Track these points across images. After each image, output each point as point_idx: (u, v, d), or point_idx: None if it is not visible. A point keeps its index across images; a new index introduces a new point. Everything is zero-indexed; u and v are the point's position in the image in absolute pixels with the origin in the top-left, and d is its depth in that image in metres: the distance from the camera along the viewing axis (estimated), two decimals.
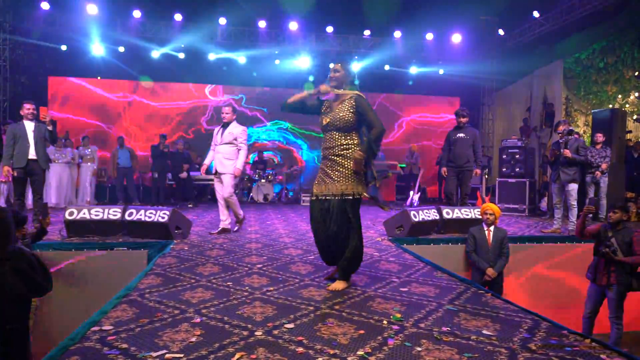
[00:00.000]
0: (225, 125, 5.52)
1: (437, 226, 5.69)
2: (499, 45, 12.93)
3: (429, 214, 5.53)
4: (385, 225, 5.65)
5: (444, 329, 2.24)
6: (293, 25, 11.82)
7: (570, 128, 6.04)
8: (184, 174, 10.05)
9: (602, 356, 1.90)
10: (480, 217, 5.72)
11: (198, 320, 2.33)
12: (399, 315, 2.43)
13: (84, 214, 5.03)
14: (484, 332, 2.21)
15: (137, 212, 5.04)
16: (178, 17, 11.15)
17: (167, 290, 2.90)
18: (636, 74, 10.83)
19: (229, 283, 3.13)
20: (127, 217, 5.03)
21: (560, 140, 5.99)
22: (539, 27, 11.70)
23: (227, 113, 5.51)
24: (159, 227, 4.92)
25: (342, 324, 2.31)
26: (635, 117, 10.93)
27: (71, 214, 4.99)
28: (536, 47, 12.35)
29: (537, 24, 11.69)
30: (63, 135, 10.21)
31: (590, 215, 4.64)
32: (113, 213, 5.08)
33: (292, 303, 2.67)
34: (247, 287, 3.01)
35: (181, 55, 11.74)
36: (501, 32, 12.80)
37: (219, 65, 12.20)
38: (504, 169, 9.15)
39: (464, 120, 6.33)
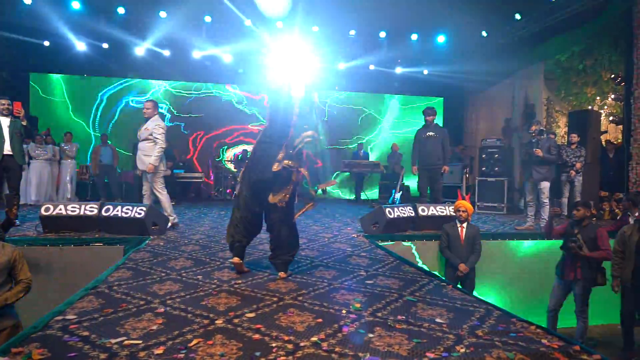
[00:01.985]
0: (145, 121, 5.55)
1: (412, 223, 5.80)
2: (482, 46, 13.11)
3: (405, 211, 5.64)
4: (361, 222, 5.74)
5: (399, 317, 2.33)
6: (279, 24, 11.86)
7: (542, 128, 6.20)
8: (167, 172, 10.02)
9: (544, 341, 2.00)
10: (454, 214, 5.86)
11: (162, 310, 2.39)
12: (358, 305, 2.51)
13: (60, 210, 5.04)
14: (437, 320, 2.30)
15: (113, 209, 5.06)
16: (163, 14, 11.12)
17: (135, 283, 2.95)
18: (612, 76, 11.08)
19: (198, 276, 3.19)
20: (103, 214, 5.05)
21: (533, 140, 6.14)
22: (521, 29, 11.88)
23: (147, 108, 5.52)
24: (135, 223, 4.95)
25: (302, 313, 2.38)
26: (611, 118, 11.18)
27: (47, 209, 4.99)
28: (518, 49, 12.53)
29: (519, 26, 11.88)
30: (44, 131, 10.15)
31: (557, 217, 4.81)
32: (89, 209, 5.10)
33: (257, 294, 2.74)
34: (215, 280, 3.07)
35: (166, 53, 11.70)
36: (484, 33, 12.98)
37: (203, 62, 12.17)
38: (484, 168, 9.32)
39: (430, 118, 6.45)
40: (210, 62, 12.06)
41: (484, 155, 9.39)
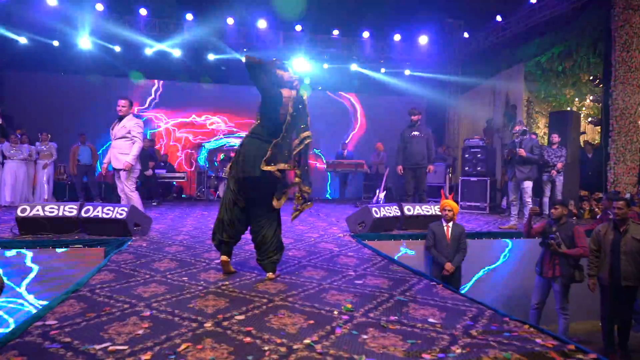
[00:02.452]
0: (120, 119, 5.43)
1: (398, 222, 5.80)
2: (464, 47, 13.25)
3: (391, 211, 5.63)
4: (347, 222, 5.71)
5: (392, 317, 2.30)
6: (262, 23, 11.78)
7: (525, 128, 6.28)
8: (149, 172, 9.85)
9: (537, 340, 2.00)
10: (439, 213, 5.88)
11: (148, 313, 2.30)
12: (349, 306, 2.47)
13: (37, 210, 4.87)
14: (430, 320, 2.28)
15: (94, 209, 4.91)
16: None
17: (119, 286, 2.86)
18: (591, 78, 11.30)
19: (184, 278, 3.10)
20: (83, 214, 4.90)
21: (516, 140, 6.21)
22: (501, 31, 12.05)
23: (122, 106, 5.41)
24: (117, 223, 4.81)
25: (293, 314, 2.33)
26: (589, 119, 11.41)
27: (23, 210, 4.82)
28: (499, 50, 12.70)
29: (500, 28, 12.04)
30: (20, 131, 9.85)
31: (537, 216, 4.89)
32: (69, 210, 4.94)
33: (245, 296, 2.68)
34: (202, 282, 2.99)
35: (148, 51, 11.48)
36: (466, 35, 13.13)
37: (184, 61, 12.00)
38: (467, 168, 9.39)
39: (416, 118, 6.47)
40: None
41: (466, 155, 9.47)
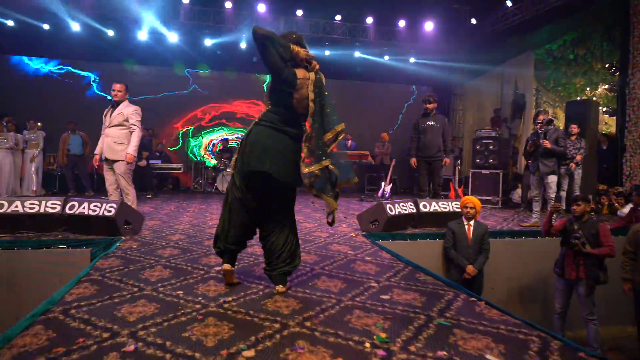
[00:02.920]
0: (115, 106, 4.94)
1: (412, 220, 5.34)
2: (470, 34, 12.72)
3: (405, 207, 5.16)
4: (358, 219, 5.24)
5: (441, 353, 1.83)
6: (261, 7, 11.20)
7: (550, 118, 5.78)
8: (142, 162, 9.32)
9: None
10: (458, 210, 5.42)
11: (132, 348, 1.82)
12: (384, 335, 2.00)
13: (16, 206, 4.37)
14: (488, 356, 1.81)
15: (79, 205, 4.42)
16: None
17: (100, 303, 2.38)
18: (606, 65, 10.81)
19: (179, 292, 2.62)
20: (68, 211, 4.41)
21: (540, 131, 5.73)
22: (511, 17, 11.51)
23: (118, 91, 4.93)
24: (105, 221, 4.33)
25: (314, 348, 1.86)
26: (604, 109, 10.93)
27: (0, 206, 4.33)
28: (508, 37, 12.18)
29: (510, 14, 11.50)
30: (7, 118, 9.29)
31: (557, 212, 4.43)
32: (51, 206, 4.45)
33: (253, 319, 2.20)
34: (200, 298, 2.51)
35: (141, 35, 10.89)
36: (474, 21, 12.59)
37: (181, 46, 11.43)
38: (478, 160, 8.92)
39: (431, 106, 5.97)
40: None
41: (478, 146, 8.99)
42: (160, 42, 11.13)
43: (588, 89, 12.49)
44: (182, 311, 2.29)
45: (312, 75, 2.59)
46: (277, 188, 2.65)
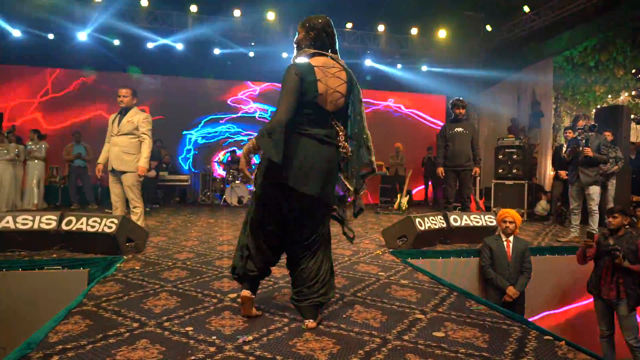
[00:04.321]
0: (123, 113, 4.52)
1: (442, 236, 4.86)
2: (485, 42, 12.33)
3: (435, 222, 4.69)
4: (383, 235, 4.77)
5: None
6: (270, 15, 10.91)
7: (593, 123, 5.30)
8: (152, 173, 8.88)
9: None
10: (492, 224, 4.95)
11: None
12: None
13: (7, 222, 3.95)
14: None
15: (77, 221, 3.99)
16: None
17: (91, 346, 1.92)
18: (633, 71, 10.34)
19: (188, 329, 2.16)
20: (64, 227, 3.99)
21: (579, 137, 5.25)
22: (529, 23, 11.11)
23: (125, 96, 4.50)
24: (104, 239, 3.89)
25: None
26: (632, 116, 10.44)
27: None
28: (525, 44, 11.78)
29: (528, 20, 11.11)
30: (8, 129, 8.97)
31: (589, 248, 3.96)
32: (46, 221, 4.03)
33: None
34: (214, 338, 2.05)
35: (149, 45, 10.57)
36: (489, 28, 12.22)
37: (188, 55, 11.11)
38: (500, 170, 8.45)
39: (461, 111, 5.53)
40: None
41: (500, 156, 8.51)
42: (167, 51, 10.82)
43: (610, 96, 12.02)
44: (193, 357, 1.82)
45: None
46: (316, 207, 2.23)
